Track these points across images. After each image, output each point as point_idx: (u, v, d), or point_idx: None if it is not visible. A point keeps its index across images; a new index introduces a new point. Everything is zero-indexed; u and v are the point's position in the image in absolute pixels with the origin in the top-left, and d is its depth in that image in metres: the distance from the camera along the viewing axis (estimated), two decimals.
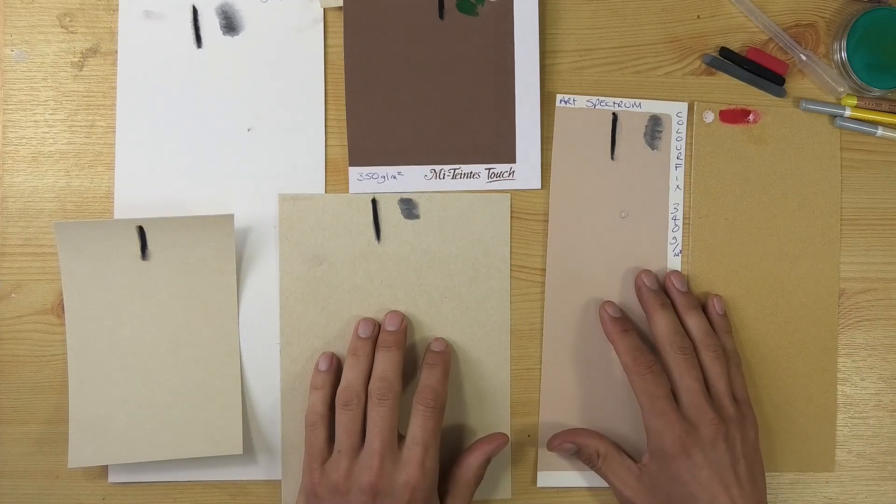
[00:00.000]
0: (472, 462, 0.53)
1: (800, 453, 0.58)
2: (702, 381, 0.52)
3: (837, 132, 0.59)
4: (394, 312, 0.55)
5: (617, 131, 0.57)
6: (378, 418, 0.50)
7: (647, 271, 0.56)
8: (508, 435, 0.55)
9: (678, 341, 0.53)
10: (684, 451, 0.50)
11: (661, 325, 0.53)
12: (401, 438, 0.51)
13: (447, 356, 0.54)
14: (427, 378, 0.52)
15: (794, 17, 0.59)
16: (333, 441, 0.51)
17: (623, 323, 0.55)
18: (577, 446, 0.54)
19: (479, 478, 0.53)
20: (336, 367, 0.54)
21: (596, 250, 0.57)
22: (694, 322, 0.54)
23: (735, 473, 0.50)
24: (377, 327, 0.54)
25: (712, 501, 0.49)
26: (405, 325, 0.54)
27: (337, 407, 0.51)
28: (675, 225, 0.58)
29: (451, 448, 0.56)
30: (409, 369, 0.56)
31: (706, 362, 0.53)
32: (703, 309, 0.56)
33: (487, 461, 0.53)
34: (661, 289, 0.56)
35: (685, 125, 0.58)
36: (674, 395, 0.52)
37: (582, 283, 0.57)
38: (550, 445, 0.55)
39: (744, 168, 0.58)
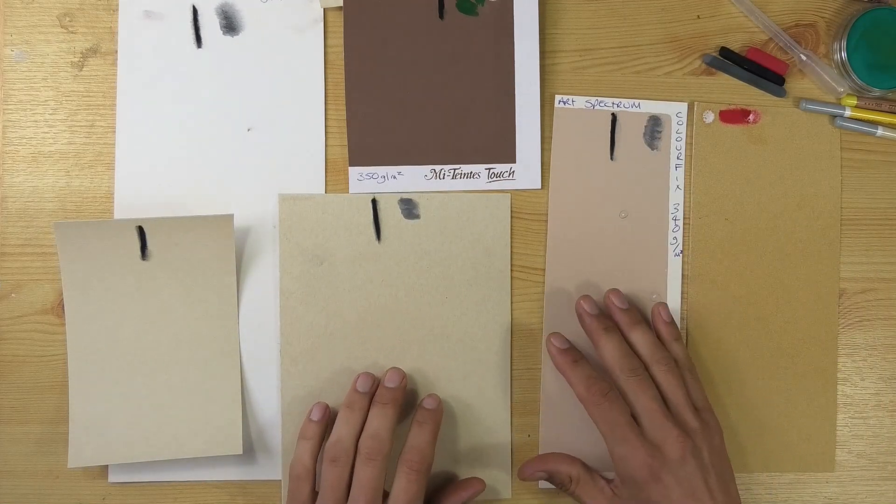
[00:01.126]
0: None
1: (800, 453, 0.58)
2: (659, 399, 0.51)
3: (837, 132, 0.59)
4: (395, 370, 0.54)
5: (616, 132, 0.57)
6: (365, 478, 0.49)
7: (587, 297, 0.55)
8: (483, 480, 0.54)
9: (627, 364, 0.51)
10: (653, 475, 0.49)
11: (608, 350, 0.52)
12: (386, 495, 0.50)
13: (438, 414, 0.53)
14: (415, 437, 0.51)
15: (794, 17, 0.59)
16: (317, 493, 0.50)
17: (572, 353, 0.54)
18: (547, 473, 0.54)
19: None
20: (328, 419, 0.53)
21: (596, 251, 0.57)
22: (639, 338, 0.53)
23: (707, 486, 0.49)
24: (376, 383, 0.54)
25: None
26: (405, 382, 0.53)
27: (325, 461, 0.50)
28: (676, 225, 0.58)
29: (451, 449, 0.56)
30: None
31: (659, 377, 0.51)
32: (650, 320, 0.55)
33: None
34: (601, 312, 0.55)
35: (685, 125, 0.58)
36: (634, 419, 0.51)
37: (582, 284, 0.57)
38: (522, 474, 0.54)
39: (744, 168, 0.58)
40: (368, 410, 0.52)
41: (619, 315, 0.54)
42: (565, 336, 0.55)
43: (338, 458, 0.50)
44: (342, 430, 0.51)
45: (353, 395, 0.52)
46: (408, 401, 0.55)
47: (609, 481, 0.52)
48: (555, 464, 0.54)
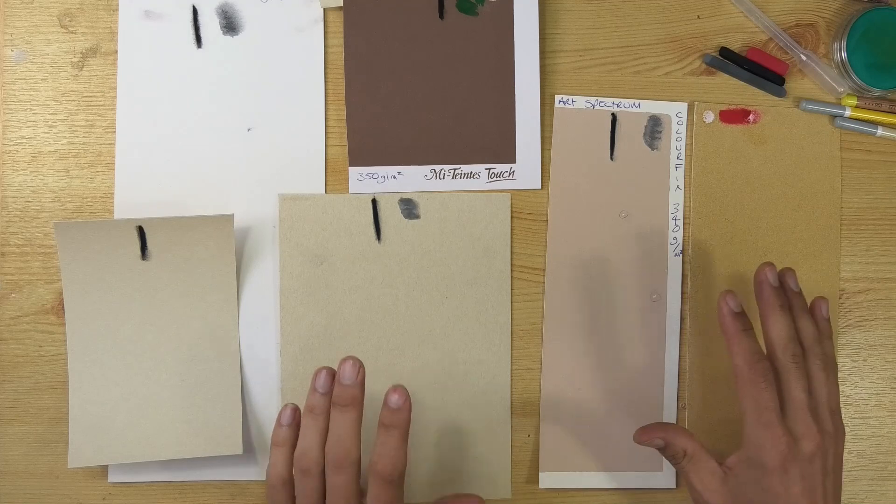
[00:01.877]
0: None
1: None
2: (808, 391, 0.50)
3: (837, 132, 0.59)
4: (349, 361, 0.48)
5: (616, 132, 0.57)
6: (337, 487, 0.47)
7: (771, 265, 0.52)
8: (481, 497, 0.52)
9: (792, 348, 0.50)
10: (783, 465, 0.48)
11: (779, 328, 0.51)
12: (364, 495, 0.48)
13: (406, 413, 0.48)
14: (382, 444, 0.47)
15: (794, 17, 0.59)
16: (294, 497, 0.49)
17: (744, 321, 0.51)
18: (664, 442, 0.52)
19: None
20: (299, 421, 0.50)
21: (596, 251, 0.57)
22: (806, 327, 0.52)
23: (824, 489, 0.49)
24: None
25: None
26: (362, 376, 0.48)
27: (295, 473, 0.48)
28: (676, 225, 0.58)
29: (451, 450, 0.56)
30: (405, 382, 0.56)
31: (812, 370, 0.51)
32: (811, 311, 0.53)
33: None
34: (780, 287, 0.53)
35: (685, 125, 0.58)
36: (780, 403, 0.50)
37: (582, 284, 0.57)
38: (638, 438, 0.52)
39: (744, 168, 0.58)
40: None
41: (792, 297, 0.53)
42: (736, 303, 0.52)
43: (308, 470, 0.48)
44: (307, 441, 0.48)
45: (313, 396, 0.49)
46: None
47: (720, 464, 0.51)
48: (674, 434, 0.52)
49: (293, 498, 0.49)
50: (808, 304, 0.54)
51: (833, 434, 0.50)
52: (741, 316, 0.51)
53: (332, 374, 0.49)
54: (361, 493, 0.48)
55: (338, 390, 0.48)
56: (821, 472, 0.49)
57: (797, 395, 0.50)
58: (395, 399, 0.48)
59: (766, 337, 0.51)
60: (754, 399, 0.50)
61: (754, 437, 0.50)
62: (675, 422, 0.57)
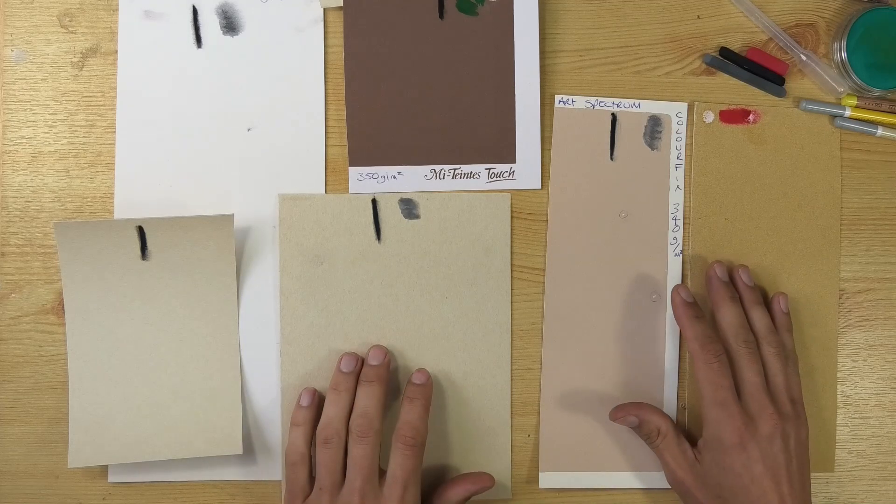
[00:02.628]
0: (452, 496, 0.53)
1: None
2: (762, 375, 0.52)
3: (837, 132, 0.59)
4: (377, 347, 0.54)
5: (616, 132, 0.57)
6: (358, 456, 0.50)
7: (720, 262, 0.56)
8: (493, 476, 0.54)
9: (743, 334, 0.53)
10: (741, 443, 0.50)
11: (729, 317, 0.54)
12: (382, 473, 0.51)
13: (428, 389, 0.54)
14: (407, 413, 0.52)
15: (794, 17, 0.59)
16: (314, 477, 0.51)
17: (695, 309, 0.55)
18: (639, 420, 0.54)
19: None
20: (317, 403, 0.53)
21: (596, 251, 0.57)
22: (757, 317, 0.54)
23: (787, 471, 0.50)
24: (360, 362, 0.54)
25: (762, 496, 0.50)
26: (388, 359, 0.54)
27: (318, 444, 0.51)
28: (676, 225, 0.58)
29: (451, 450, 0.56)
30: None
31: (767, 357, 0.53)
32: (768, 306, 0.56)
33: (467, 499, 0.53)
34: (730, 281, 0.56)
35: (685, 125, 0.58)
36: (736, 388, 0.52)
37: (582, 284, 0.57)
38: (613, 416, 0.55)
39: (744, 168, 0.58)
40: (355, 390, 0.52)
41: (744, 290, 0.56)
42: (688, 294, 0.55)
43: (330, 440, 0.50)
44: (331, 412, 0.51)
45: (339, 376, 0.53)
46: (400, 385, 0.55)
47: (692, 446, 0.53)
48: (648, 413, 0.54)
49: (310, 473, 0.51)
50: (775, 300, 0.56)
51: (793, 418, 0.52)
52: (693, 305, 0.55)
53: (356, 358, 0.54)
54: (380, 470, 0.51)
55: (365, 370, 0.53)
56: (783, 453, 0.51)
57: (750, 378, 0.52)
58: (419, 377, 0.54)
59: (718, 327, 0.54)
60: (709, 378, 0.52)
61: (711, 416, 0.52)
62: (677, 422, 0.57)
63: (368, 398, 0.51)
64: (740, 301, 0.55)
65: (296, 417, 0.53)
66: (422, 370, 0.54)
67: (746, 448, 0.50)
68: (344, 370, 0.53)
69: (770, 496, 0.50)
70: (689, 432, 0.57)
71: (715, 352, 0.52)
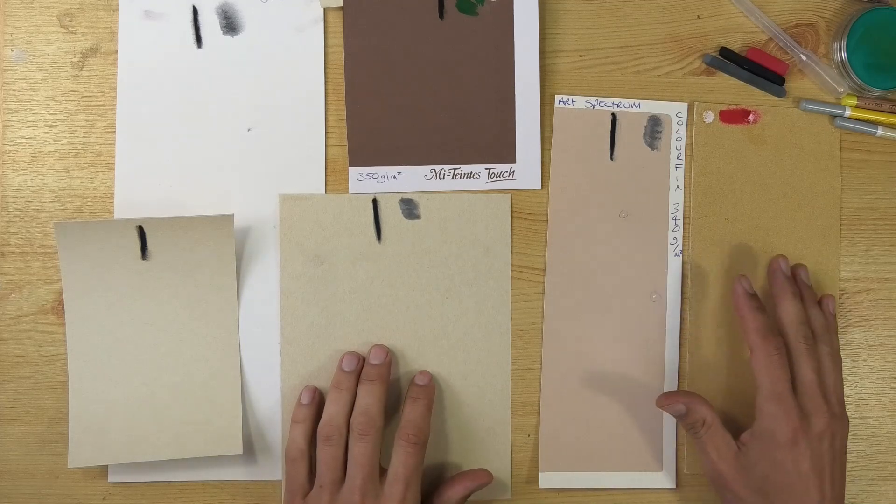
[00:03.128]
0: (451, 495, 0.53)
1: None
2: (819, 373, 0.52)
3: (837, 132, 0.59)
4: (379, 346, 0.54)
5: (616, 132, 0.57)
6: (359, 454, 0.50)
7: (783, 257, 0.56)
8: (490, 472, 0.54)
9: (804, 331, 0.53)
10: (794, 439, 0.50)
11: (791, 312, 0.53)
12: (383, 472, 0.51)
13: (431, 390, 0.54)
14: (410, 413, 0.52)
15: (794, 17, 0.59)
16: (314, 475, 0.51)
17: (756, 300, 0.54)
18: (686, 409, 0.53)
19: None
20: (318, 401, 0.54)
21: (596, 251, 0.57)
22: (816, 316, 0.54)
23: (831, 470, 0.51)
24: (362, 361, 0.54)
25: (805, 493, 0.50)
26: (389, 358, 0.54)
27: (318, 441, 0.51)
28: (676, 225, 0.58)
29: (451, 450, 0.56)
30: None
31: (822, 356, 0.53)
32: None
33: (467, 496, 0.53)
34: (792, 277, 0.56)
35: (685, 125, 0.58)
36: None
37: (582, 284, 0.57)
38: (660, 402, 0.54)
39: (744, 168, 0.58)
40: (356, 389, 0.52)
41: (804, 288, 0.56)
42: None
43: (331, 437, 0.51)
44: (332, 410, 0.52)
45: (340, 375, 0.53)
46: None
47: (735, 439, 0.53)
48: (696, 403, 0.53)
49: (310, 470, 0.51)
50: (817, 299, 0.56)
51: (840, 419, 0.52)
52: (755, 297, 0.54)
53: (358, 357, 0.54)
54: (380, 469, 0.51)
55: (367, 369, 0.53)
56: (829, 452, 0.51)
57: (808, 375, 0.52)
58: (422, 378, 0.54)
59: (779, 320, 0.54)
60: (768, 371, 0.52)
61: (767, 409, 0.51)
62: (675, 421, 0.57)
63: (370, 397, 0.51)
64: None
65: (296, 415, 0.53)
66: (424, 372, 0.55)
67: (799, 445, 0.50)
68: (346, 369, 0.53)
69: (813, 494, 0.50)
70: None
71: (776, 344, 0.52)
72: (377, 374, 0.53)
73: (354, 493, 0.49)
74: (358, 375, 0.53)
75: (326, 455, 0.50)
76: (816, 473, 0.50)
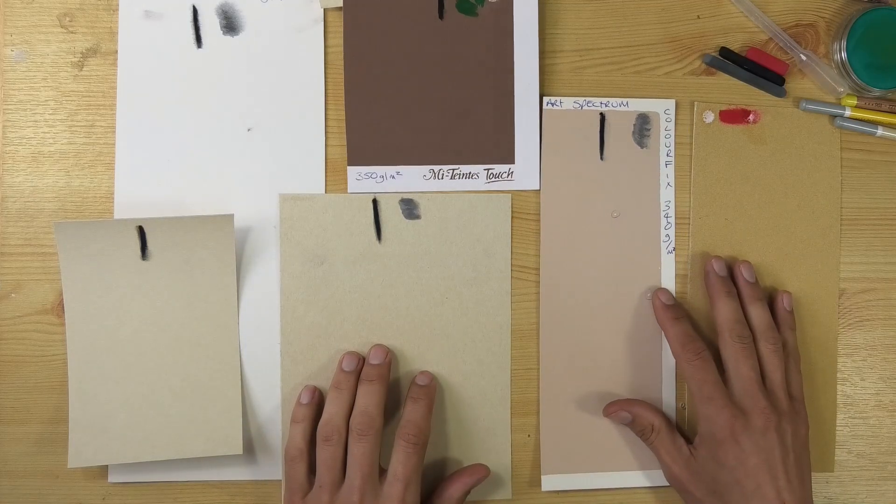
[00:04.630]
0: (452, 493, 0.53)
1: None
2: (758, 371, 0.52)
3: (837, 132, 0.59)
4: (378, 346, 0.54)
5: (605, 131, 0.57)
6: (359, 454, 0.50)
7: (718, 258, 0.56)
8: (487, 466, 0.54)
9: (738, 329, 0.53)
10: (733, 436, 0.51)
11: (724, 313, 0.54)
12: (382, 472, 0.51)
13: (432, 390, 0.54)
14: (410, 413, 0.52)
15: (794, 17, 0.59)
16: (314, 474, 0.51)
17: (675, 310, 0.55)
18: (632, 416, 0.54)
19: None
20: (318, 401, 0.54)
21: (589, 251, 0.57)
22: (756, 313, 0.54)
23: (784, 465, 0.50)
24: (361, 361, 0.54)
25: (757, 489, 0.50)
26: (389, 358, 0.54)
27: (318, 441, 0.51)
28: (668, 223, 0.58)
29: (450, 449, 0.56)
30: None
31: (764, 354, 0.53)
32: (771, 303, 0.56)
33: (467, 493, 0.53)
34: (728, 276, 0.56)
35: (674, 123, 0.58)
36: (729, 383, 0.52)
37: (577, 284, 0.57)
38: (606, 412, 0.55)
39: (744, 168, 0.58)
40: (356, 389, 0.52)
41: (744, 286, 0.56)
42: (670, 297, 0.56)
43: (330, 437, 0.51)
44: (332, 410, 0.52)
45: (340, 375, 0.53)
46: (401, 386, 0.55)
47: (687, 441, 0.54)
48: (642, 409, 0.54)
49: (310, 469, 0.51)
50: (781, 298, 0.56)
51: (790, 414, 0.52)
52: (674, 307, 0.56)
53: (357, 357, 0.54)
54: (380, 468, 0.51)
55: (366, 369, 0.53)
56: (778, 446, 0.50)
57: (744, 372, 0.52)
58: (423, 378, 0.54)
59: (716, 322, 0.55)
60: (692, 376, 0.53)
61: (701, 412, 0.52)
62: (674, 420, 0.57)
63: (369, 397, 0.51)
64: (739, 297, 0.55)
65: (296, 414, 0.53)
66: (425, 372, 0.55)
67: (739, 441, 0.50)
68: (345, 369, 0.53)
69: (765, 489, 0.50)
70: (688, 430, 0.57)
71: (695, 350, 0.53)
72: (377, 374, 0.53)
73: (353, 493, 0.49)
74: (358, 375, 0.53)
75: (326, 455, 0.50)
76: (766, 469, 0.50)
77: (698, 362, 0.53)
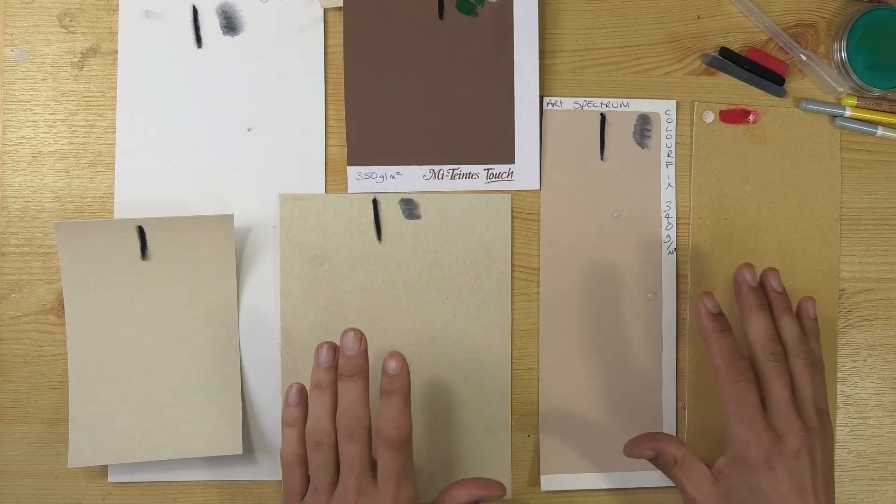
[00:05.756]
0: (457, 496, 0.51)
1: None
2: (790, 389, 0.51)
3: (837, 132, 0.59)
4: (351, 332, 0.49)
5: (606, 132, 0.57)
6: (349, 454, 0.48)
7: (749, 265, 0.54)
8: (504, 486, 0.51)
9: (772, 347, 0.51)
10: (768, 462, 0.49)
11: (758, 329, 0.52)
12: (376, 464, 0.49)
13: (404, 378, 0.49)
14: (386, 410, 0.49)
15: (794, 17, 0.59)
16: (310, 476, 0.50)
17: (721, 321, 0.53)
18: (655, 452, 0.52)
19: None
20: (307, 400, 0.51)
21: (589, 251, 0.57)
22: (788, 326, 0.52)
23: (814, 487, 0.49)
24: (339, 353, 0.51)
25: None
26: (365, 346, 0.50)
27: (308, 448, 0.49)
28: (669, 223, 0.58)
29: (451, 449, 0.56)
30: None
31: (795, 369, 0.51)
32: (797, 311, 0.54)
33: (474, 503, 0.51)
34: (759, 287, 0.54)
35: (674, 123, 0.58)
36: (763, 402, 0.51)
37: (577, 285, 0.57)
38: (628, 451, 0.53)
39: (744, 168, 0.58)
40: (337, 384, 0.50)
41: (774, 297, 0.54)
42: (713, 304, 0.53)
43: (320, 443, 0.49)
44: (317, 413, 0.49)
45: (318, 372, 0.50)
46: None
47: (710, 467, 0.52)
48: (664, 443, 0.52)
49: (306, 472, 0.50)
50: (796, 304, 0.54)
51: (819, 431, 0.50)
52: (719, 317, 0.53)
53: (334, 349, 0.50)
54: (374, 462, 0.49)
55: (343, 362, 0.49)
56: (809, 469, 0.49)
57: (779, 393, 0.50)
58: (392, 365, 0.49)
59: (747, 337, 0.52)
60: (735, 397, 0.51)
61: (738, 435, 0.50)
62: (674, 420, 0.57)
63: (351, 395, 0.49)
64: (769, 308, 0.53)
65: (286, 417, 0.51)
66: (394, 354, 0.49)
67: (774, 467, 0.49)
68: (323, 365, 0.50)
69: None
70: (688, 431, 0.57)
71: (741, 369, 0.51)
72: (355, 368, 0.49)
73: (349, 493, 0.48)
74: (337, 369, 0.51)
75: (319, 459, 0.49)
76: (797, 492, 0.49)
77: (743, 383, 0.50)
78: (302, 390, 0.51)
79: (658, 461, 0.52)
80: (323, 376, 0.50)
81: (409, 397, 0.49)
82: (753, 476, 0.49)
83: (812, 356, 0.52)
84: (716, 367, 0.52)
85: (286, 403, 0.51)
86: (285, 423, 0.51)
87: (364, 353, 0.50)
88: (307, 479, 0.51)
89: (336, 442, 0.49)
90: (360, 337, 0.50)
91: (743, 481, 0.50)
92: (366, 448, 0.49)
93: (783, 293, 0.54)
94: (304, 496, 0.50)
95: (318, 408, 0.50)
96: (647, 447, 0.52)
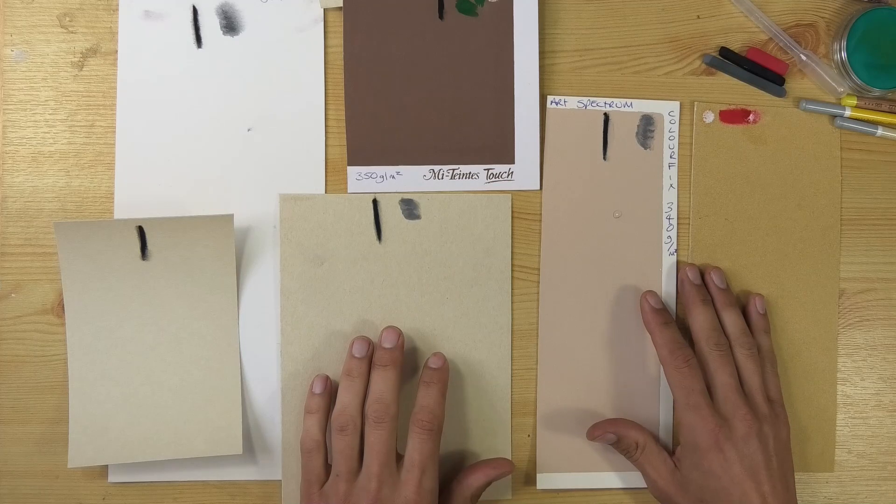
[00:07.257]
0: (472, 482, 0.53)
1: (800, 453, 0.58)
2: (736, 377, 0.52)
3: (837, 132, 0.59)
4: (390, 329, 0.53)
5: (609, 131, 0.57)
6: (375, 441, 0.50)
7: (692, 265, 0.57)
8: (513, 462, 0.55)
9: (714, 337, 0.53)
10: (717, 445, 0.51)
11: (700, 321, 0.54)
12: (399, 457, 0.51)
13: (444, 373, 0.53)
14: (424, 398, 0.51)
15: (794, 17, 0.59)
16: (330, 465, 0.51)
17: (663, 315, 0.55)
18: (617, 436, 0.54)
19: (475, 498, 0.53)
20: (331, 390, 0.53)
21: (590, 251, 0.57)
22: (730, 319, 0.55)
23: (767, 471, 0.50)
24: (372, 346, 0.54)
25: (743, 497, 0.50)
26: (402, 341, 0.53)
27: (333, 431, 0.51)
28: (670, 224, 0.58)
29: (451, 449, 0.56)
30: (408, 374, 0.56)
31: (740, 359, 0.53)
32: (744, 307, 0.56)
33: (487, 484, 0.53)
34: (702, 284, 0.56)
35: (677, 124, 0.58)
36: (709, 391, 0.52)
37: (577, 285, 0.57)
38: (591, 435, 0.55)
39: (744, 168, 0.58)
40: (368, 375, 0.52)
41: (716, 293, 0.56)
42: (658, 301, 0.56)
43: (345, 427, 0.50)
44: (345, 399, 0.51)
45: (351, 361, 0.52)
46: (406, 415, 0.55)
47: (671, 454, 0.54)
48: (625, 428, 0.55)
49: (327, 459, 0.51)
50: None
51: (770, 418, 0.52)
52: (662, 311, 0.55)
53: (368, 341, 0.53)
54: (397, 455, 0.51)
55: (379, 353, 0.52)
56: (761, 453, 0.51)
57: (723, 380, 0.52)
58: (435, 361, 0.53)
59: (691, 330, 0.55)
60: (680, 383, 0.53)
61: (686, 420, 0.52)
62: (672, 420, 0.57)
63: (383, 383, 0.51)
64: (713, 304, 0.55)
65: (309, 405, 0.52)
66: (438, 354, 0.54)
67: (723, 450, 0.51)
68: (356, 355, 0.52)
69: (751, 496, 0.50)
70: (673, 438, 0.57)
71: (684, 357, 0.53)
72: (390, 359, 0.52)
73: (371, 481, 0.49)
74: (370, 361, 0.53)
75: (342, 444, 0.50)
76: (750, 475, 0.50)
77: (686, 370, 0.53)
78: (326, 380, 0.53)
79: (620, 445, 0.55)
80: (355, 365, 0.52)
81: (446, 390, 0.53)
82: (705, 460, 0.51)
83: (758, 348, 0.54)
84: (661, 358, 0.54)
85: (310, 392, 0.53)
86: (307, 411, 0.52)
87: (401, 347, 0.53)
88: (326, 468, 0.51)
89: (361, 430, 0.50)
90: (399, 333, 0.53)
91: (696, 466, 0.52)
92: (392, 436, 0.50)
93: (726, 290, 0.56)
94: (323, 484, 0.50)
95: (348, 394, 0.51)
96: (609, 431, 0.55)
